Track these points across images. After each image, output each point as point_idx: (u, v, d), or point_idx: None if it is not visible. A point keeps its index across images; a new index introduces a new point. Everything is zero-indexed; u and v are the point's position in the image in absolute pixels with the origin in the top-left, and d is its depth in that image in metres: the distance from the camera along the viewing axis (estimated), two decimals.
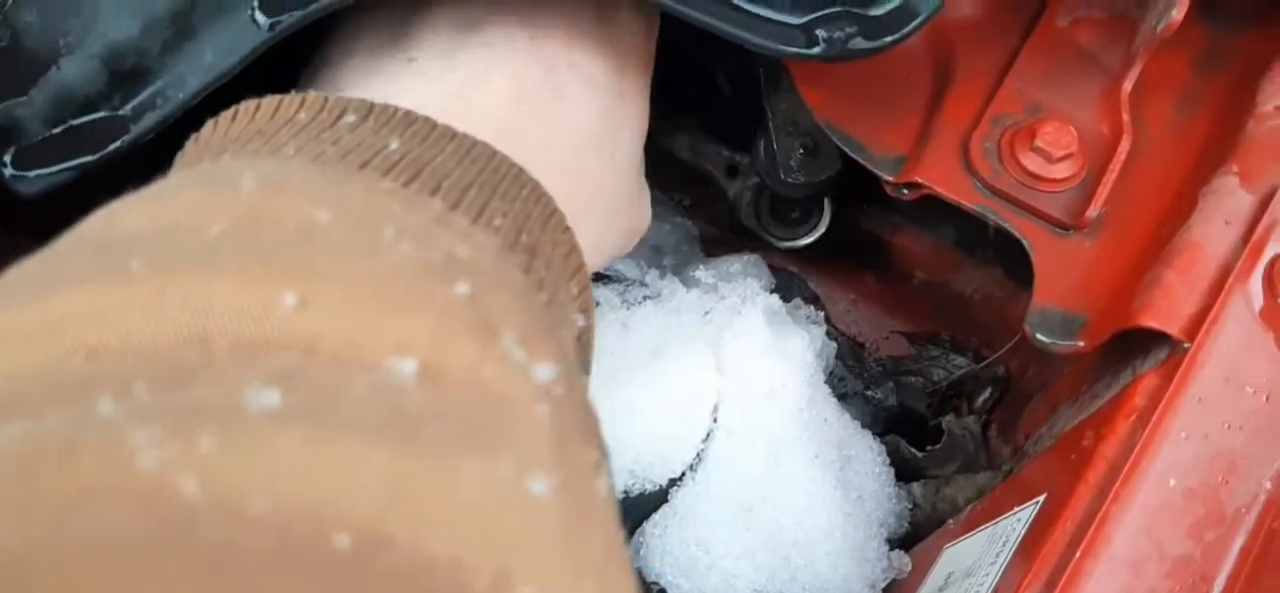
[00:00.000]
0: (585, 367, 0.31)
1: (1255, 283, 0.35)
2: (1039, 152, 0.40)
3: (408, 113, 0.30)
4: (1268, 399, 0.33)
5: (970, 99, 0.42)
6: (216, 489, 0.17)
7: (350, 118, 0.29)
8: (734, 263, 0.46)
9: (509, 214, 0.28)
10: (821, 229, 0.53)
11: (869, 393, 0.50)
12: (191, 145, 0.29)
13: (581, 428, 0.24)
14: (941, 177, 0.41)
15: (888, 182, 0.42)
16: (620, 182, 0.38)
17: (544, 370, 0.23)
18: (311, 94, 0.29)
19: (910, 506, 0.46)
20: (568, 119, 0.35)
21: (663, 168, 0.56)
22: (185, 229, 0.22)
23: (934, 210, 0.46)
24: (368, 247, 0.23)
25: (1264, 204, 0.37)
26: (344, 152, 0.27)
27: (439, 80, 0.34)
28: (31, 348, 0.19)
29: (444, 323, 0.22)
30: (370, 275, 0.22)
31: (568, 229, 0.31)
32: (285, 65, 0.37)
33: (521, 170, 0.30)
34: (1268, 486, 0.32)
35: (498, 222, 0.28)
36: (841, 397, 0.51)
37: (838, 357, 0.48)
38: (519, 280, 0.26)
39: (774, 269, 0.55)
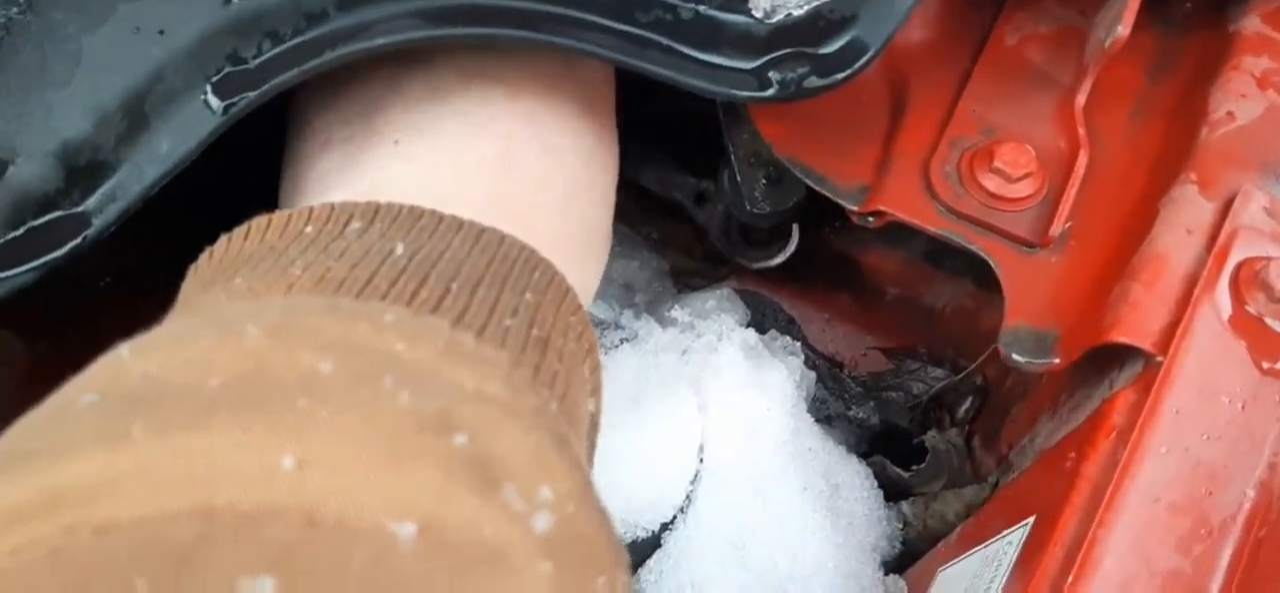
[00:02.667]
0: (591, 450, 0.31)
1: (1222, 291, 0.36)
2: (998, 172, 0.40)
3: (412, 209, 0.30)
4: (1243, 408, 0.34)
5: (927, 124, 0.42)
6: None
7: (356, 224, 0.29)
8: (708, 299, 0.47)
9: (520, 309, 0.28)
10: (791, 248, 0.53)
11: (851, 413, 0.51)
12: (206, 262, 0.30)
13: (587, 557, 0.23)
14: (904, 203, 0.41)
15: (852, 211, 0.42)
16: (607, 215, 0.38)
17: (543, 519, 0.22)
18: (317, 206, 0.30)
19: (901, 525, 0.46)
20: (556, 169, 0.36)
21: (628, 202, 0.56)
22: (189, 383, 0.22)
23: (902, 228, 0.47)
24: (368, 400, 0.22)
25: (1224, 211, 0.37)
26: (351, 263, 0.27)
27: (426, 160, 0.34)
28: (39, 525, 0.19)
29: (443, 480, 0.21)
30: (369, 431, 0.22)
31: (579, 309, 0.31)
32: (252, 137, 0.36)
33: (531, 252, 0.30)
34: (1251, 494, 0.33)
35: (508, 321, 0.28)
36: (825, 419, 0.51)
37: (818, 380, 0.48)
38: (526, 401, 0.26)
39: (748, 295, 0.55)
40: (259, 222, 0.30)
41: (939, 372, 0.53)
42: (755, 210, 0.49)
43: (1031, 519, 0.34)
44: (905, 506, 0.47)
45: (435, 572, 0.20)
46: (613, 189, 0.39)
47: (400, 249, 0.28)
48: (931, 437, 0.49)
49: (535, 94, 0.36)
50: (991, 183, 0.41)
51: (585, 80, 0.38)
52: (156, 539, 0.19)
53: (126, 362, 0.23)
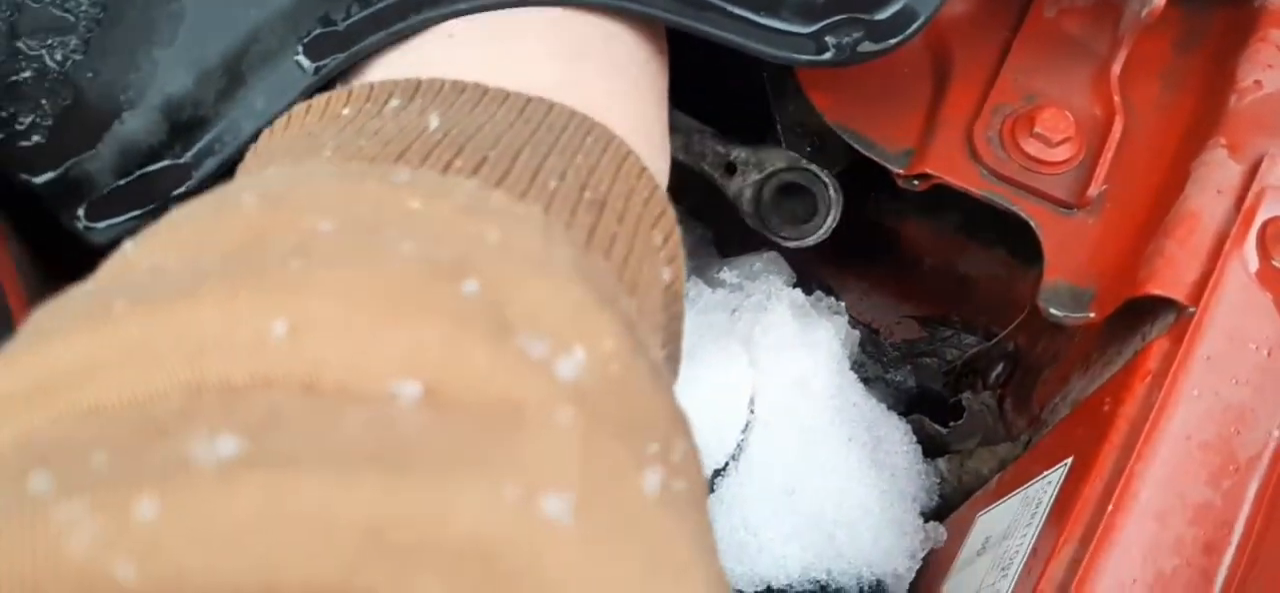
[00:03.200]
0: (673, 321, 0.29)
1: (1249, 248, 0.38)
2: (1039, 137, 0.42)
3: (456, 83, 0.28)
4: (1269, 354, 0.36)
5: (970, 92, 0.45)
6: (156, 569, 0.15)
7: (395, 102, 0.28)
8: (755, 262, 0.49)
9: (568, 171, 0.26)
10: (829, 226, 0.54)
11: (888, 376, 0.53)
12: (252, 156, 0.29)
13: (627, 418, 0.20)
14: (949, 166, 0.43)
15: (898, 174, 0.44)
16: (666, 112, 0.37)
17: (569, 365, 0.20)
18: (357, 85, 0.29)
19: (938, 480, 0.48)
20: (621, 59, 0.34)
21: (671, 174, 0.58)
22: (185, 260, 0.21)
23: (937, 198, 0.49)
24: (368, 253, 0.21)
25: (1252, 173, 0.39)
26: (384, 141, 0.26)
27: (483, 48, 0.33)
28: (29, 415, 0.18)
29: (451, 330, 0.19)
30: (369, 286, 0.20)
31: (645, 172, 0.29)
32: None
33: (584, 118, 0.28)
34: (1276, 433, 0.35)
35: (553, 183, 0.25)
36: (864, 381, 0.53)
37: (858, 344, 0.50)
38: (565, 256, 0.23)
39: (790, 263, 0.57)
40: (299, 108, 0.29)
41: (972, 339, 0.56)
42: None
43: (1069, 461, 0.37)
44: (941, 462, 0.49)
45: (437, 435, 0.18)
46: (666, 113, 0.37)
47: (435, 121, 0.26)
48: (967, 397, 0.51)
49: (591, 15, 0.35)
50: (1032, 147, 0.43)
51: (638, 20, 0.36)
52: (144, 420, 0.17)
53: (130, 254, 0.22)
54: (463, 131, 0.26)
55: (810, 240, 0.54)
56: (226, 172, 0.36)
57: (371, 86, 0.29)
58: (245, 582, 0.15)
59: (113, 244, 0.35)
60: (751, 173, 0.50)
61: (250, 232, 0.21)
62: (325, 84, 0.37)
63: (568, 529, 0.17)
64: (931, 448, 0.49)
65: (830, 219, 0.52)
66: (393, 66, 0.34)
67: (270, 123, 0.35)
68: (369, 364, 0.19)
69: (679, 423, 0.23)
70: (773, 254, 0.50)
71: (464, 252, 0.21)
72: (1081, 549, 0.33)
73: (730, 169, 0.54)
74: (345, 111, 0.28)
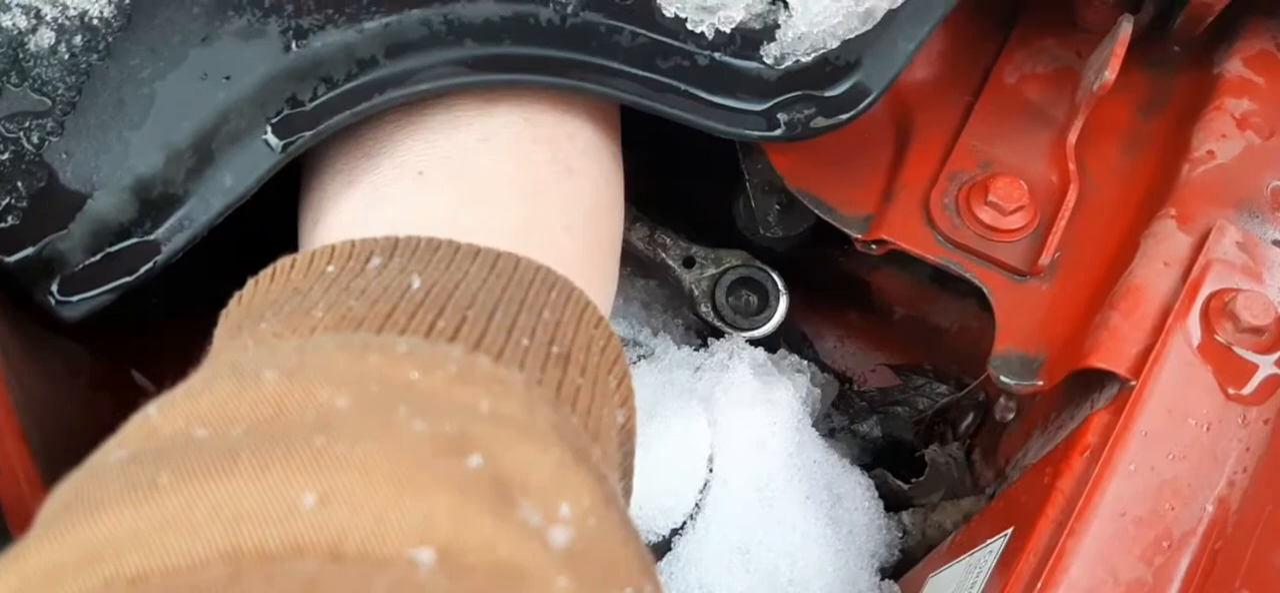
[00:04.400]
0: (627, 457, 0.32)
1: (1193, 321, 0.38)
2: (993, 205, 0.43)
3: (430, 241, 0.31)
4: (1208, 429, 0.37)
5: (929, 157, 0.45)
6: None
7: (376, 261, 0.31)
8: None
9: (537, 328, 0.29)
10: (777, 320, 0.52)
11: (855, 427, 0.54)
12: (235, 305, 0.31)
13: (609, 570, 0.23)
14: (906, 233, 0.44)
15: (857, 240, 0.45)
16: (619, 235, 0.40)
17: (561, 533, 0.23)
18: (339, 244, 0.31)
19: (901, 534, 0.49)
20: (578, 192, 0.37)
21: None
22: (213, 432, 0.23)
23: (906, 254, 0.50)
24: (383, 430, 0.23)
25: (1199, 245, 0.40)
26: (371, 301, 0.28)
27: (451, 189, 0.35)
28: (77, 581, 0.20)
29: (459, 502, 0.22)
30: (386, 461, 0.22)
31: (602, 322, 0.32)
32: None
33: (548, 271, 0.32)
34: (1210, 509, 0.35)
35: (525, 341, 0.28)
36: (830, 432, 0.54)
37: (823, 397, 0.51)
38: (544, 417, 0.26)
39: None
40: (284, 263, 0.32)
41: (944, 388, 0.56)
42: (769, 234, 0.52)
43: (1010, 530, 0.37)
44: (906, 516, 0.50)
45: (454, 590, 0.20)
46: (623, 209, 0.41)
47: (417, 282, 0.29)
48: (932, 450, 0.52)
49: (553, 119, 0.38)
50: (987, 215, 0.43)
51: (596, 106, 0.40)
52: (188, 587, 0.20)
53: (154, 419, 0.24)
54: (443, 289, 0.29)
55: (760, 332, 0.53)
56: (194, 248, 0.38)
57: (353, 245, 0.31)
58: None
59: (83, 320, 0.37)
60: (708, 267, 0.52)
61: (271, 406, 0.24)
62: (292, 162, 0.38)
63: None
64: (895, 502, 0.50)
65: (778, 313, 0.52)
66: (370, 209, 0.36)
67: (240, 199, 0.37)
68: (388, 532, 0.21)
69: (645, 566, 0.25)
70: None
71: (463, 425, 0.24)
72: None
73: (689, 262, 0.54)
74: (330, 268, 0.31)
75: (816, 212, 0.46)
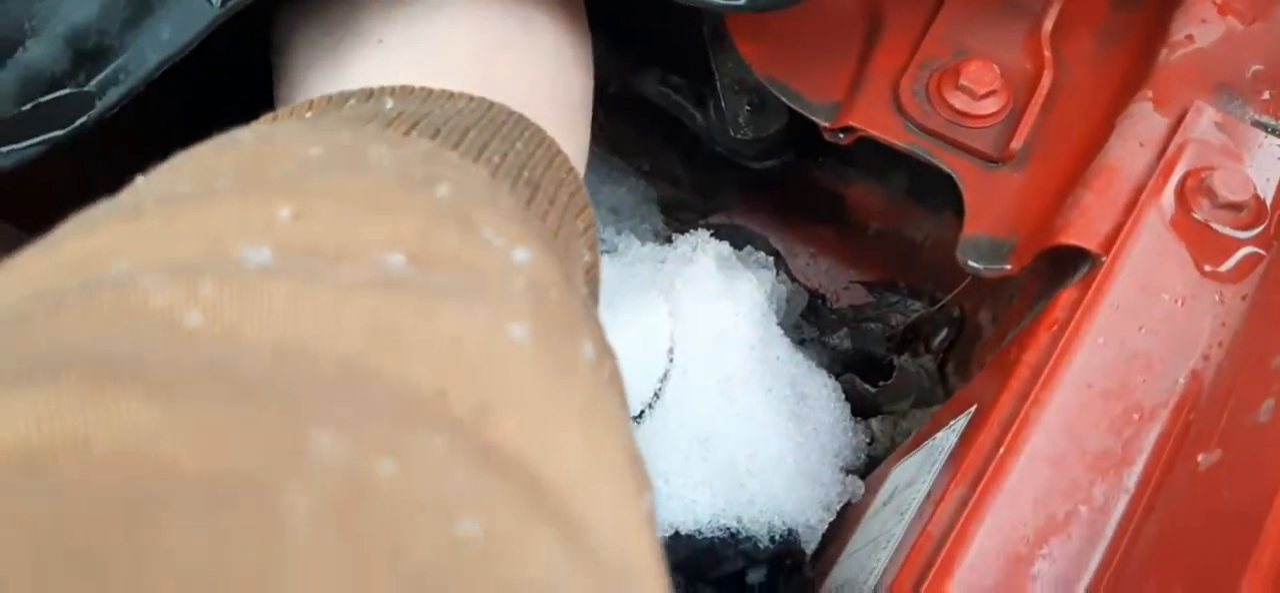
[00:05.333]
0: (594, 299, 0.32)
1: (1168, 197, 0.37)
2: (964, 90, 0.42)
3: (404, 85, 0.31)
4: (1181, 304, 0.35)
5: (900, 46, 0.44)
6: (216, 322, 0.19)
7: (352, 102, 0.31)
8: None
9: (509, 154, 0.29)
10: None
11: (826, 339, 0.52)
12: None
13: (568, 315, 0.24)
14: (874, 119, 0.43)
15: (825, 127, 0.44)
16: (590, 85, 0.39)
17: (523, 253, 0.24)
18: (317, 97, 0.31)
19: (868, 440, 0.48)
20: (541, 47, 0.37)
21: (624, 129, 0.58)
22: (195, 186, 0.24)
23: (884, 161, 0.48)
24: (356, 166, 0.25)
25: (1176, 126, 0.39)
26: (345, 120, 0.29)
27: (410, 52, 0.35)
28: (59, 280, 0.21)
29: (427, 221, 0.23)
30: (358, 189, 0.24)
31: (572, 171, 0.32)
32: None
33: (521, 117, 0.32)
34: (1182, 381, 0.34)
35: (496, 159, 0.29)
36: (800, 342, 0.53)
37: (788, 302, 0.49)
38: (508, 202, 0.27)
39: (735, 230, 0.57)
40: (262, 119, 0.31)
41: (917, 305, 0.55)
42: (739, 136, 0.51)
43: (973, 409, 0.36)
44: (874, 422, 0.48)
45: (420, 276, 0.22)
46: (591, 86, 0.40)
47: (390, 104, 0.30)
48: (904, 359, 0.50)
49: None
50: (958, 100, 0.42)
51: None
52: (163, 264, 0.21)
53: (141, 185, 0.25)
54: (416, 113, 0.30)
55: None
56: (129, 103, 0.36)
57: (329, 97, 0.32)
58: (281, 339, 0.19)
59: (14, 170, 0.36)
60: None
61: (250, 159, 0.25)
62: (231, 19, 0.37)
63: (528, 352, 0.21)
64: (863, 408, 0.49)
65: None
66: (329, 77, 0.36)
67: (176, 54, 0.36)
68: (360, 242, 0.22)
69: (607, 346, 0.26)
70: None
71: (433, 171, 0.26)
72: (969, 492, 0.32)
73: (701, 101, 0.53)
74: (308, 115, 0.31)
75: (783, 99, 0.44)
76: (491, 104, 0.32)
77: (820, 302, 0.56)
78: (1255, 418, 0.31)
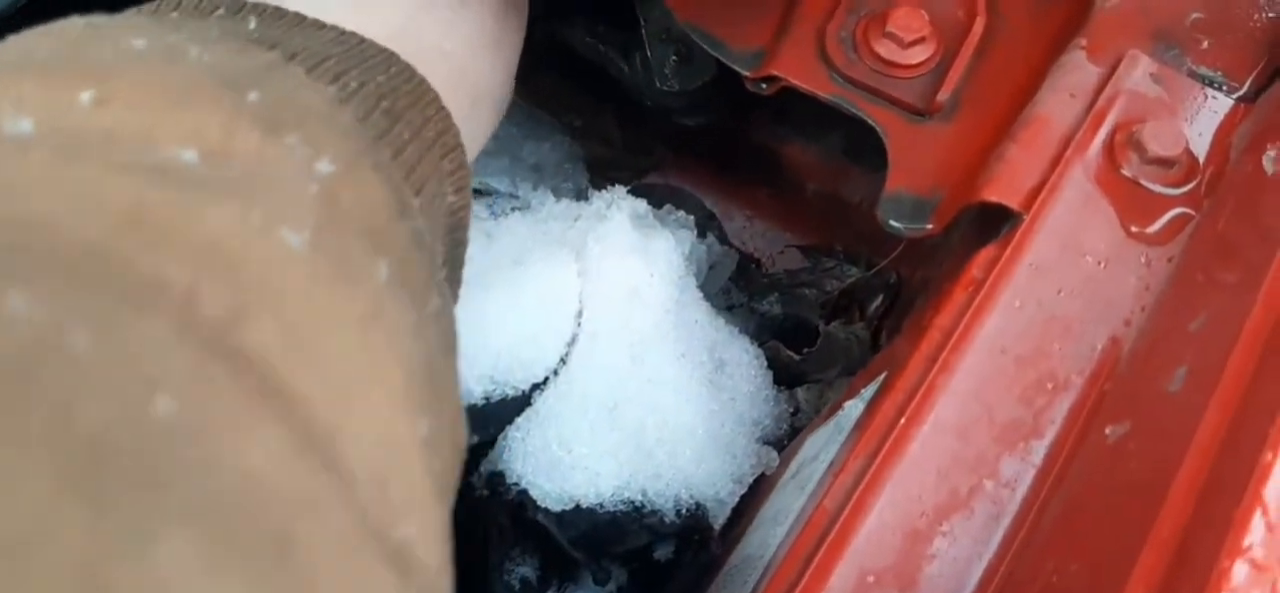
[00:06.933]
0: (455, 248, 0.31)
1: (1094, 151, 0.35)
2: (891, 37, 0.39)
3: (277, 8, 0.30)
4: (1103, 265, 0.33)
5: None
6: None
7: (220, 12, 0.29)
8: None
9: (369, 84, 0.28)
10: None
11: (755, 305, 0.50)
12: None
13: (372, 229, 0.23)
14: (798, 69, 0.40)
15: (747, 76, 0.41)
16: (506, 80, 0.38)
17: (327, 165, 0.23)
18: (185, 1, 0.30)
19: (793, 410, 0.46)
20: (465, 22, 0.35)
21: (556, 86, 0.55)
22: (13, 51, 0.23)
23: (818, 117, 0.46)
24: (169, 58, 0.24)
25: (1108, 75, 0.36)
26: (196, 31, 0.27)
27: None
28: None
29: (230, 119, 0.23)
30: (168, 81, 0.23)
31: (442, 109, 0.31)
32: None
33: (393, 55, 0.30)
34: (1100, 348, 0.32)
35: (353, 85, 0.27)
36: (728, 308, 0.50)
37: (713, 266, 0.47)
38: (350, 122, 0.26)
39: (668, 189, 0.55)
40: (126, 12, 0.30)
41: (853, 269, 0.53)
42: (665, 88, 0.48)
43: (883, 376, 0.34)
44: (800, 391, 0.46)
45: (201, 170, 0.21)
46: (516, 52, 0.38)
47: (253, 23, 0.28)
48: (834, 326, 0.48)
49: None
50: (884, 49, 0.40)
51: None
52: None
53: None
54: (278, 35, 0.28)
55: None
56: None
57: (197, 2, 0.30)
58: (23, 215, 0.18)
59: None
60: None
61: (72, 42, 0.24)
62: None
63: (302, 257, 0.21)
64: (789, 377, 0.46)
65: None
66: None
67: None
68: (158, 133, 0.22)
69: (434, 283, 0.25)
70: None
71: (254, 76, 0.24)
72: (867, 464, 0.30)
73: (627, 52, 0.50)
74: (173, 15, 0.29)
75: (705, 46, 0.42)
76: (364, 41, 0.30)
77: (753, 266, 0.54)
78: (1167, 387, 0.29)
